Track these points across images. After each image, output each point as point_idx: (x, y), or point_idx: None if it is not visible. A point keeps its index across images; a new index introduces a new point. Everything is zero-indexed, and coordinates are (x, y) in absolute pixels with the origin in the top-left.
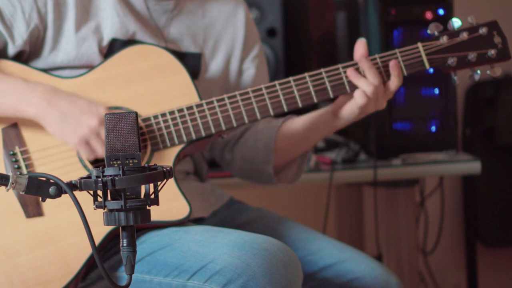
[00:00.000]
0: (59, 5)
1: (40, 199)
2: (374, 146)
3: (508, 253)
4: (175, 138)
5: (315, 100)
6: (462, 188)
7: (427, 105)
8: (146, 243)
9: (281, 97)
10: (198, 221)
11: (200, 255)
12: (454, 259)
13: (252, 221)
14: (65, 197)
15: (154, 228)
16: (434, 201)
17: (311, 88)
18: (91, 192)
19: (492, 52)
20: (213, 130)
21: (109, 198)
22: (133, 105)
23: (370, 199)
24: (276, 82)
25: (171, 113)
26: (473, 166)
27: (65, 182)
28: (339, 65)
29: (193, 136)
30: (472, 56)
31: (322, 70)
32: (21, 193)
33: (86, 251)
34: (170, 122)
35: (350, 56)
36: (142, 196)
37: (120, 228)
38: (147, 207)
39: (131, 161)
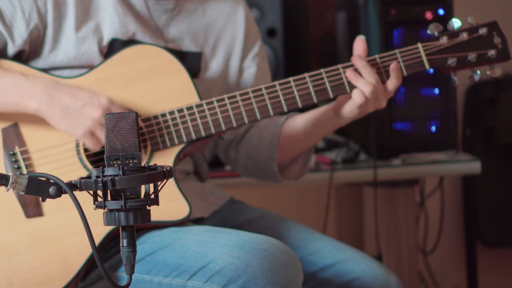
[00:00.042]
0: (59, 5)
1: (40, 199)
2: (374, 146)
3: (508, 253)
4: (175, 138)
5: (315, 100)
6: (462, 188)
7: (427, 105)
8: (146, 243)
9: (281, 97)
10: (198, 221)
11: (200, 255)
12: (454, 259)
13: (252, 221)
14: (65, 197)
15: (154, 228)
16: (434, 201)
17: (311, 88)
18: (91, 192)
19: (492, 52)
20: (213, 130)
21: (109, 198)
22: (133, 105)
23: (370, 199)
24: (276, 83)
25: (171, 113)
26: (473, 166)
27: (65, 182)
28: (339, 65)
29: (193, 136)
30: (472, 56)
31: (322, 70)
32: (21, 193)
33: (86, 251)
34: (170, 122)
35: (350, 56)
36: (142, 196)
37: (120, 228)
38: (147, 207)
39: (131, 161)
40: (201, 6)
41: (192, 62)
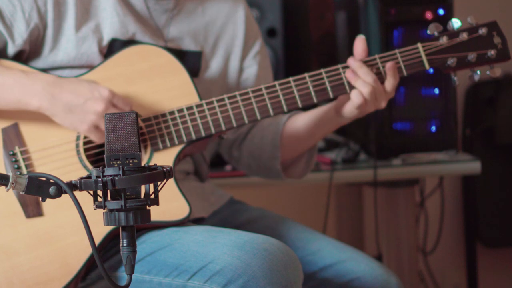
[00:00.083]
0: (59, 4)
1: (40, 199)
2: (374, 146)
3: (508, 253)
4: (175, 138)
5: (315, 100)
6: (462, 188)
7: (427, 105)
8: (146, 243)
9: (281, 98)
10: (198, 221)
11: (200, 255)
12: (454, 259)
13: (252, 221)
14: (65, 197)
15: (154, 228)
16: (434, 201)
17: (311, 88)
18: (91, 192)
19: (491, 52)
20: (213, 130)
21: (109, 198)
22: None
23: (370, 199)
24: (276, 83)
25: (171, 113)
26: (473, 166)
27: (65, 182)
28: (339, 65)
29: (193, 136)
30: (472, 56)
31: (322, 70)
32: (21, 193)
33: (86, 251)
34: (170, 122)
35: (350, 56)
36: (142, 196)
37: (120, 228)
38: (147, 207)
39: (131, 161)
40: (200, 5)
41: (192, 61)
